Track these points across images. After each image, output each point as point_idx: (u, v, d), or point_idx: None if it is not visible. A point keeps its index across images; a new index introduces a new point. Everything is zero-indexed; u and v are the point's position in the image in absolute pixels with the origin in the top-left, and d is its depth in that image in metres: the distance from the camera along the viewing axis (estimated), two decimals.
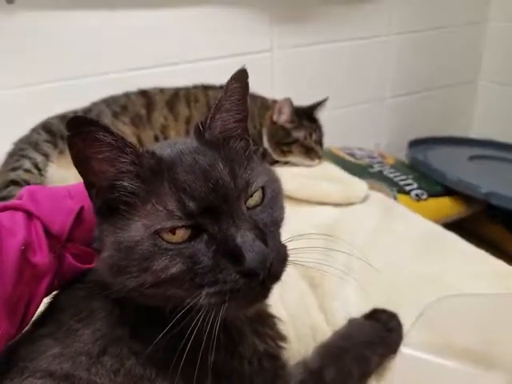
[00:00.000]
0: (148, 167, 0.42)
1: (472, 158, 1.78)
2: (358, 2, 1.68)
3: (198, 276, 0.40)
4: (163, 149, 0.45)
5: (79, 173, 0.44)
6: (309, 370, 0.53)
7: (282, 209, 0.48)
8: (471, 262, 0.79)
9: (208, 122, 0.47)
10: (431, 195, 1.53)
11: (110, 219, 0.44)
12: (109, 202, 0.43)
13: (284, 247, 0.44)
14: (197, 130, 0.48)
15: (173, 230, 0.41)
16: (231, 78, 0.48)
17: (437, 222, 1.12)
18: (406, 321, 0.62)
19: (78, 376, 0.40)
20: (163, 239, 0.40)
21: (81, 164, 0.42)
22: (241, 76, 0.48)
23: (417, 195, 1.52)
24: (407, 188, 1.53)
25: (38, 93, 1.32)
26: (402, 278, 0.74)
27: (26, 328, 0.48)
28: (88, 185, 0.44)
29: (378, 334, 0.60)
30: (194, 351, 0.40)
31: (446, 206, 1.54)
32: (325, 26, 1.66)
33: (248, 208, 0.44)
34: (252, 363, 0.47)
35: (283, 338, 0.53)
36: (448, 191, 1.55)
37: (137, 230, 0.41)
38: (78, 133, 0.40)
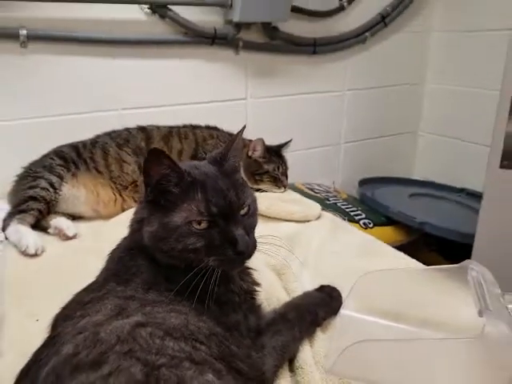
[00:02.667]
0: (186, 181, 0.67)
1: (412, 195, 2.09)
2: (318, 62, 2.00)
3: (210, 249, 0.66)
4: (192, 169, 0.70)
5: (144, 177, 0.68)
6: (277, 313, 0.78)
7: (256, 218, 0.75)
8: (392, 260, 1.08)
9: (226, 155, 0.73)
10: (376, 224, 1.80)
11: (158, 209, 0.68)
12: (157, 198, 0.68)
13: (255, 241, 0.71)
14: (215, 160, 0.74)
15: (199, 222, 0.66)
16: (240, 131, 0.75)
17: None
18: (345, 295, 0.87)
19: (137, 296, 0.63)
20: (193, 226, 0.66)
21: (146, 172, 0.67)
22: (241, 132, 0.76)
23: (364, 224, 1.78)
24: (356, 217, 1.80)
25: (46, 124, 1.53)
26: (342, 270, 0.99)
27: (92, 282, 0.70)
28: (146, 184, 0.68)
29: (323, 299, 0.85)
30: (205, 288, 0.64)
31: (389, 233, 1.80)
32: (291, 81, 1.96)
33: (241, 215, 0.70)
34: (240, 295, 0.72)
35: (257, 283, 0.79)
36: (391, 221, 1.83)
37: (177, 218, 0.66)
38: (153, 155, 0.65)
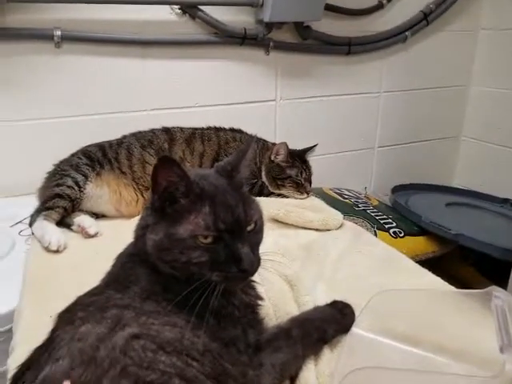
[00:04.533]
0: (194, 192, 0.65)
1: (449, 204, 1.96)
2: (353, 63, 1.93)
3: (214, 265, 0.64)
4: (200, 179, 0.68)
5: (152, 183, 0.66)
6: (280, 329, 0.74)
7: (262, 234, 0.72)
8: (414, 276, 1.01)
9: (238, 167, 0.71)
10: (408, 234, 1.70)
11: (164, 217, 0.66)
12: (164, 206, 0.66)
13: (260, 258, 0.69)
14: (225, 170, 0.71)
15: (205, 236, 0.64)
16: (253, 140, 0.73)
17: (412, 258, 1.23)
18: (359, 313, 0.82)
19: (134, 305, 0.62)
20: (198, 240, 0.63)
21: (154, 178, 0.65)
22: (253, 142, 0.72)
23: (394, 233, 1.69)
24: (386, 226, 1.71)
25: (78, 123, 1.57)
26: (358, 285, 0.94)
27: (95, 288, 0.70)
28: (153, 191, 0.67)
29: (334, 316, 0.80)
30: (204, 302, 0.62)
31: (421, 244, 1.70)
32: (323, 83, 1.91)
33: (247, 231, 0.67)
34: (240, 309, 0.69)
35: (260, 297, 0.76)
36: (424, 232, 1.72)
37: (183, 230, 0.63)
38: (163, 162, 0.63)
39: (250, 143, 0.73)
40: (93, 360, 0.52)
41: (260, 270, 0.68)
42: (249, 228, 0.68)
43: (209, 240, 0.64)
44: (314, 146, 1.62)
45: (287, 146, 1.54)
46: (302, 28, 1.74)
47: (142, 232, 0.70)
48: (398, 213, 1.84)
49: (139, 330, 0.57)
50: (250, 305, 0.73)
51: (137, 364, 0.52)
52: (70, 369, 0.52)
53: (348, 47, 1.86)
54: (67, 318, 0.63)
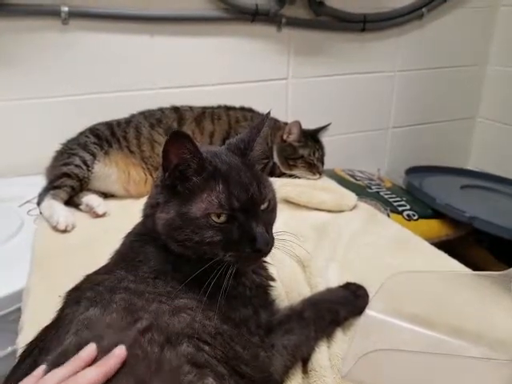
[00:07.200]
0: (207, 169, 0.63)
1: (463, 186, 1.92)
2: (367, 40, 1.87)
3: (227, 244, 0.62)
4: (213, 157, 0.65)
5: (162, 159, 0.63)
6: (292, 310, 0.72)
7: (276, 213, 0.70)
8: (430, 258, 0.98)
9: (251, 145, 0.68)
10: (422, 217, 1.67)
11: (175, 195, 0.64)
12: (175, 184, 0.64)
13: (274, 238, 0.66)
14: (238, 148, 0.68)
15: (219, 215, 0.61)
16: (266, 116, 0.69)
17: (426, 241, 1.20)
18: (372, 295, 0.80)
19: (145, 290, 0.60)
20: (211, 218, 0.61)
21: (165, 155, 0.63)
22: (267, 118, 0.69)
23: (408, 215, 1.67)
24: (400, 209, 1.68)
25: (86, 101, 1.55)
26: (372, 267, 0.92)
27: (104, 266, 0.69)
28: (164, 168, 0.64)
29: (347, 297, 0.78)
30: (216, 283, 0.60)
31: (435, 227, 1.67)
32: (337, 60, 1.86)
33: (261, 211, 0.65)
34: (251, 289, 0.68)
35: (272, 278, 0.74)
36: (438, 214, 1.69)
37: (196, 209, 0.61)
38: (175, 137, 0.60)
39: (264, 119, 0.69)
40: (98, 353, 0.51)
41: (272, 250, 0.66)
42: (263, 207, 0.66)
43: (222, 219, 0.62)
44: (327, 125, 1.57)
45: (300, 125, 1.50)
46: (315, 4, 1.68)
47: (151, 211, 0.68)
48: (412, 195, 1.80)
49: (149, 321, 0.55)
50: (262, 285, 0.71)
51: (142, 362, 0.50)
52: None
53: (363, 24, 1.80)
54: (75, 296, 0.62)
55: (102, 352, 0.51)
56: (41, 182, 1.34)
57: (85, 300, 0.59)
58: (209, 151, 0.67)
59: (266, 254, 0.65)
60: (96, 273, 0.68)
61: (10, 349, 1.02)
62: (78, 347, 0.51)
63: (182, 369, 0.51)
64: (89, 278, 0.66)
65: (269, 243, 0.63)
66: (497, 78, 2.14)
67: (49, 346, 0.54)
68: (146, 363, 0.50)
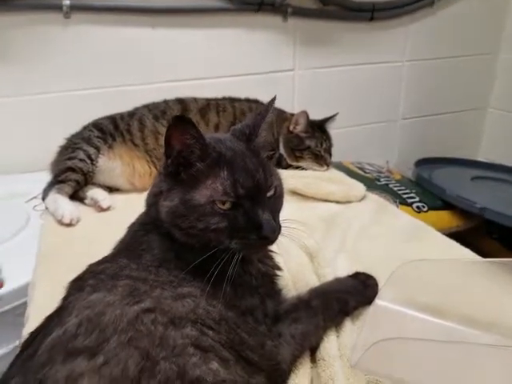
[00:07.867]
0: (211, 155, 0.62)
1: (474, 178, 1.89)
2: (376, 29, 1.84)
3: (233, 231, 0.61)
4: (217, 143, 0.64)
5: (165, 146, 0.62)
6: (300, 299, 0.71)
7: (282, 200, 0.69)
8: (441, 249, 0.95)
9: (256, 131, 0.66)
10: (431, 208, 1.65)
11: (178, 183, 0.62)
12: (178, 171, 0.62)
13: (280, 225, 0.65)
14: (243, 134, 0.67)
15: (223, 202, 0.60)
16: (271, 102, 0.68)
17: None
18: (382, 285, 0.78)
19: (147, 277, 0.59)
20: (216, 205, 0.60)
21: (168, 140, 0.61)
22: (273, 103, 0.68)
23: (418, 207, 1.64)
24: (409, 200, 1.66)
25: (89, 96, 1.54)
26: (382, 257, 0.90)
27: (106, 256, 0.68)
28: (167, 155, 0.63)
29: (356, 287, 0.76)
30: (220, 270, 0.59)
31: (445, 218, 1.65)
32: (344, 51, 1.83)
33: (268, 198, 0.64)
34: (257, 278, 0.66)
35: (278, 268, 0.73)
36: (448, 206, 1.67)
37: (200, 196, 0.60)
38: (177, 123, 0.59)
39: (269, 105, 0.68)
40: (99, 325, 0.50)
41: (279, 238, 0.64)
42: (269, 194, 0.64)
43: (227, 206, 0.61)
44: (335, 115, 1.54)
45: (307, 116, 1.47)
46: None
47: (154, 199, 0.67)
48: (421, 187, 1.78)
49: (153, 304, 0.54)
50: (268, 274, 0.70)
51: (146, 338, 0.50)
52: (75, 335, 0.50)
53: (371, 13, 1.77)
54: (78, 285, 0.61)
55: (104, 327, 0.50)
56: (46, 178, 1.33)
57: (88, 287, 0.58)
58: (213, 137, 0.66)
59: (272, 241, 0.63)
60: (98, 262, 0.67)
61: (17, 342, 1.01)
62: (79, 325, 0.51)
63: (186, 349, 0.50)
64: (91, 267, 0.65)
65: (275, 230, 0.62)
66: (509, 68, 2.10)
67: (51, 331, 0.53)
68: (149, 338, 0.50)
